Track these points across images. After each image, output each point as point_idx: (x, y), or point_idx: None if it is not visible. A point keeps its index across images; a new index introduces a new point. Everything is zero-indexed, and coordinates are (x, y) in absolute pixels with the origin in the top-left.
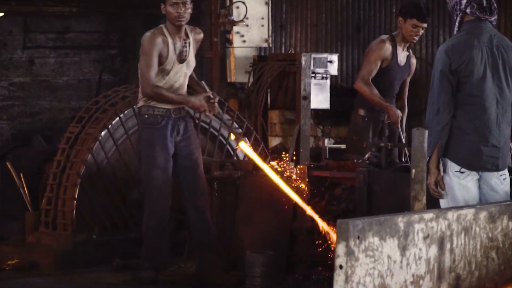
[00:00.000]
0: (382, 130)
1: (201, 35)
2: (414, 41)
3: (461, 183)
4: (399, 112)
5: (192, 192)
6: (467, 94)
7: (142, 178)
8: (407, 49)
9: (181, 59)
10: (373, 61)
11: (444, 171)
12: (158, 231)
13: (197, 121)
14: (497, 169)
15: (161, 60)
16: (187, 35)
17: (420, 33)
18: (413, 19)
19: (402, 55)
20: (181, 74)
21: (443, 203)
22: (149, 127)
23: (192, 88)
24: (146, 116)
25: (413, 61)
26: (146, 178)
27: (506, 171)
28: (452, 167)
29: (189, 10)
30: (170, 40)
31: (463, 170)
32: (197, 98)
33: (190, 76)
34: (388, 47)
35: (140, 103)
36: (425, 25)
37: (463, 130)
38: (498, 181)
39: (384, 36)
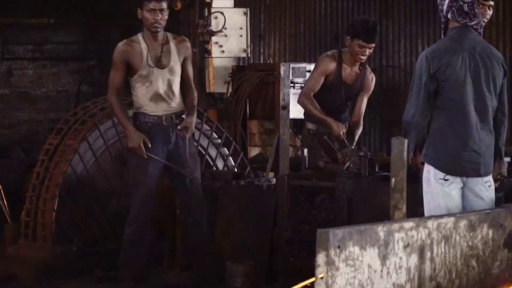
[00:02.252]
0: (330, 143)
1: (186, 43)
2: (362, 61)
3: (445, 190)
4: (339, 125)
5: (187, 201)
6: (447, 99)
7: (129, 185)
8: (360, 67)
9: (160, 64)
10: (315, 76)
11: (429, 178)
12: (137, 238)
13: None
14: (479, 174)
15: (135, 67)
16: (167, 41)
17: (367, 53)
18: (359, 40)
19: (349, 73)
20: (164, 81)
21: (426, 211)
22: None
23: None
24: (137, 123)
25: (370, 77)
26: (132, 184)
27: (491, 178)
28: (436, 174)
29: (166, 17)
30: (143, 46)
31: (447, 177)
32: (136, 134)
33: (189, 96)
34: (330, 63)
35: (134, 110)
36: (371, 45)
37: (443, 135)
38: (483, 188)
39: (330, 52)
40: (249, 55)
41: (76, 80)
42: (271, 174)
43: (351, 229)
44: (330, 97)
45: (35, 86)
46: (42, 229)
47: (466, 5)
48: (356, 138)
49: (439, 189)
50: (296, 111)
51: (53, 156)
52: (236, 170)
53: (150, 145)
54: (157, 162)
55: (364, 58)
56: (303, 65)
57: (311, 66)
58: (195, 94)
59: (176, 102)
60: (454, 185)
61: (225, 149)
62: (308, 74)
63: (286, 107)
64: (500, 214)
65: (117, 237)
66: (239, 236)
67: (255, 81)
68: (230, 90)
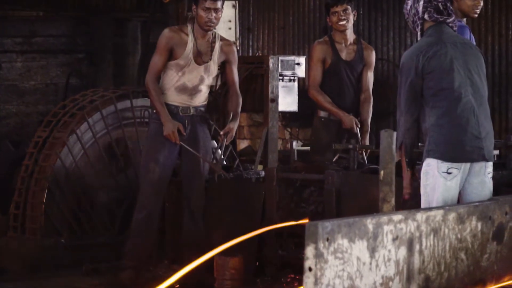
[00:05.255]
0: (340, 131)
1: (231, 47)
2: (344, 27)
3: (447, 184)
4: (351, 117)
5: (188, 192)
6: (437, 89)
7: (140, 170)
8: (355, 42)
9: (199, 60)
10: (313, 66)
11: (427, 172)
12: (144, 226)
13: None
14: (484, 159)
15: (176, 55)
16: (214, 40)
17: (342, 18)
18: (331, 8)
19: (347, 51)
20: (196, 76)
21: (424, 203)
22: (155, 121)
23: (228, 110)
24: (154, 111)
25: (369, 52)
26: (143, 170)
27: (491, 168)
28: (440, 167)
29: (220, 16)
30: (190, 38)
31: (450, 170)
32: (172, 123)
33: (233, 101)
34: (322, 47)
35: None
36: (343, 7)
37: (440, 126)
38: (486, 178)
39: (320, 40)
40: (238, 48)
41: (65, 73)
42: (260, 167)
43: (340, 221)
44: (336, 80)
45: (23, 79)
46: (31, 222)
47: (440, 4)
48: (370, 116)
49: (441, 182)
50: (285, 104)
51: (42, 149)
52: (225, 162)
53: (185, 133)
54: (167, 151)
55: (343, 23)
56: (292, 57)
57: (300, 59)
58: (240, 100)
59: (198, 98)
60: (456, 179)
61: (214, 142)
62: (297, 67)
63: (275, 100)
64: (489, 207)
65: (106, 230)
66: (227, 229)
67: (243, 74)
68: (219, 82)
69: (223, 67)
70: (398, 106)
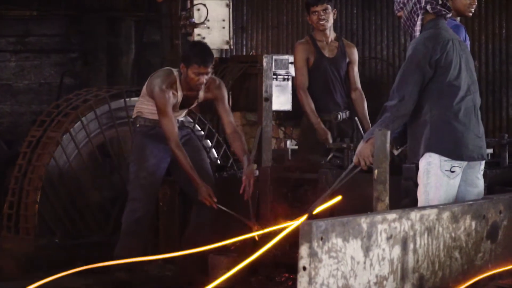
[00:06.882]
0: (330, 130)
1: (216, 85)
2: (324, 27)
3: (450, 183)
4: (327, 132)
5: (198, 206)
6: (445, 85)
7: (129, 179)
8: (336, 39)
9: (184, 106)
10: (298, 68)
11: (429, 170)
12: (135, 230)
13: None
14: (482, 158)
15: None
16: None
17: (322, 18)
18: (310, 7)
19: (329, 48)
20: (179, 114)
21: (424, 202)
22: (140, 133)
23: (236, 154)
24: (138, 125)
25: (351, 49)
26: (132, 177)
27: (483, 165)
28: (443, 166)
29: (210, 75)
30: (179, 94)
31: (453, 169)
32: (206, 188)
33: (236, 143)
34: (303, 47)
35: (135, 115)
36: (323, 7)
37: (445, 121)
38: (479, 175)
39: (301, 40)
40: (232, 47)
41: (58, 72)
42: (254, 166)
43: (334, 221)
44: (322, 78)
45: (17, 78)
46: (25, 221)
47: None
48: (366, 111)
49: (444, 181)
50: (279, 103)
51: (36, 148)
52: (219, 162)
53: (215, 199)
54: (156, 159)
55: (323, 22)
56: (285, 56)
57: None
58: (243, 138)
59: (180, 117)
60: (458, 177)
61: (208, 141)
62: (290, 66)
63: (268, 99)
64: (483, 206)
65: (99, 230)
66: (222, 228)
67: (237, 73)
68: None
69: (218, 66)
70: (396, 91)
